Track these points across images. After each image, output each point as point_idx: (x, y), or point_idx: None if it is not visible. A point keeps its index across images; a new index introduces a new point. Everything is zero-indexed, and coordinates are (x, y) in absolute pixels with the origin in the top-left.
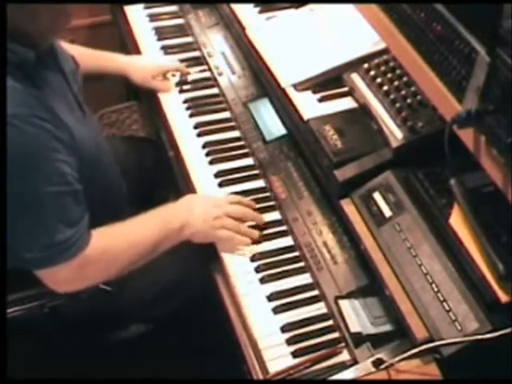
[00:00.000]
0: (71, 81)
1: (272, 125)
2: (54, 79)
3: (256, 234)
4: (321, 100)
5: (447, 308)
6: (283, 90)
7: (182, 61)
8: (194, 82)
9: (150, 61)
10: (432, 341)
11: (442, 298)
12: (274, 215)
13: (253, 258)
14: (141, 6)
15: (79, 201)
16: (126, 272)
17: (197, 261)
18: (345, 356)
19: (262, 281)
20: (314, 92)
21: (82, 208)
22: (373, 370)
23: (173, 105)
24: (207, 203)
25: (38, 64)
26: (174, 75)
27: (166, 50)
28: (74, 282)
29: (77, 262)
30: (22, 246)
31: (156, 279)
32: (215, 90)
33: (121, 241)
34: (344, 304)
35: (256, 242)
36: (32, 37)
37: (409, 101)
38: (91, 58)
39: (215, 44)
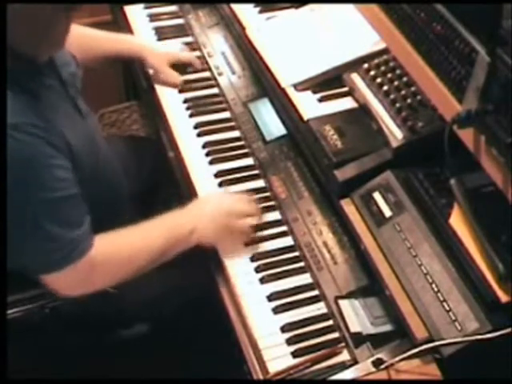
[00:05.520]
0: (69, 84)
1: (272, 125)
2: (50, 84)
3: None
4: (321, 100)
5: (447, 308)
6: (283, 90)
7: None
8: (194, 81)
9: (165, 47)
10: (432, 341)
11: (441, 298)
12: (274, 215)
13: (253, 258)
14: (141, 6)
15: (78, 204)
16: (134, 276)
17: (198, 262)
18: (345, 356)
19: (262, 281)
20: (314, 92)
21: (82, 211)
22: (373, 369)
23: (173, 105)
24: (218, 208)
25: (30, 72)
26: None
27: None
28: (81, 287)
29: (82, 265)
30: (25, 254)
31: (157, 281)
32: (215, 90)
33: (129, 244)
34: (344, 304)
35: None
36: (25, 54)
37: (409, 101)
38: (106, 41)
39: (215, 44)
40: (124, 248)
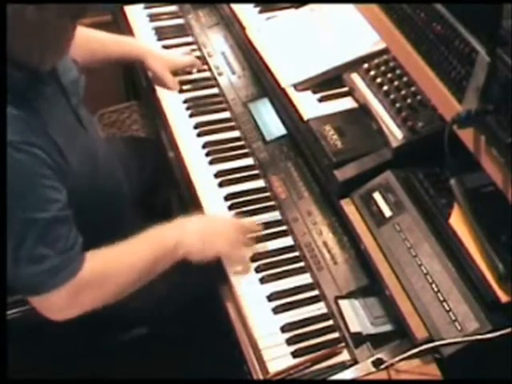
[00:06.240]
0: (70, 92)
1: (272, 125)
2: (51, 94)
3: (252, 243)
4: (321, 100)
5: (447, 308)
6: (283, 90)
7: None
8: (194, 81)
9: (170, 54)
10: (432, 341)
11: (441, 298)
12: (274, 215)
13: (253, 258)
14: (141, 6)
15: (69, 226)
16: (123, 296)
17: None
18: (345, 356)
19: (262, 281)
20: (314, 92)
21: (73, 233)
22: (373, 369)
23: (173, 105)
24: (202, 223)
25: (31, 83)
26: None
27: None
28: (69, 309)
29: (70, 287)
30: (12, 273)
31: (158, 282)
32: (215, 90)
33: (117, 263)
34: (344, 304)
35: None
36: (27, 64)
37: (409, 101)
38: (109, 44)
39: (215, 44)
40: (113, 266)
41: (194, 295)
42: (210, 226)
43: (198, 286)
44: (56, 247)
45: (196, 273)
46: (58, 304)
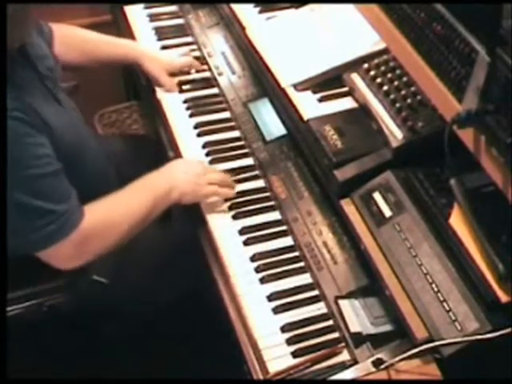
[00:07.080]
0: (45, 77)
1: (272, 125)
2: (24, 75)
3: (234, 185)
4: (321, 100)
5: (447, 308)
6: (283, 90)
7: None
8: (194, 82)
9: (166, 55)
10: (432, 341)
11: (441, 298)
12: (274, 215)
13: (253, 258)
14: (141, 6)
15: (62, 178)
16: (125, 241)
17: (187, 233)
18: (345, 356)
19: (262, 281)
20: (314, 92)
21: (66, 185)
22: (373, 369)
23: (173, 105)
24: (188, 166)
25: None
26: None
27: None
28: (77, 258)
29: (75, 236)
30: (18, 232)
31: (149, 260)
32: (215, 90)
33: (116, 211)
34: (344, 304)
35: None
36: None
37: (409, 101)
38: (107, 46)
39: (215, 44)
40: (112, 215)
41: (185, 269)
42: (195, 168)
43: (191, 260)
44: (54, 199)
45: (187, 244)
46: (66, 254)
